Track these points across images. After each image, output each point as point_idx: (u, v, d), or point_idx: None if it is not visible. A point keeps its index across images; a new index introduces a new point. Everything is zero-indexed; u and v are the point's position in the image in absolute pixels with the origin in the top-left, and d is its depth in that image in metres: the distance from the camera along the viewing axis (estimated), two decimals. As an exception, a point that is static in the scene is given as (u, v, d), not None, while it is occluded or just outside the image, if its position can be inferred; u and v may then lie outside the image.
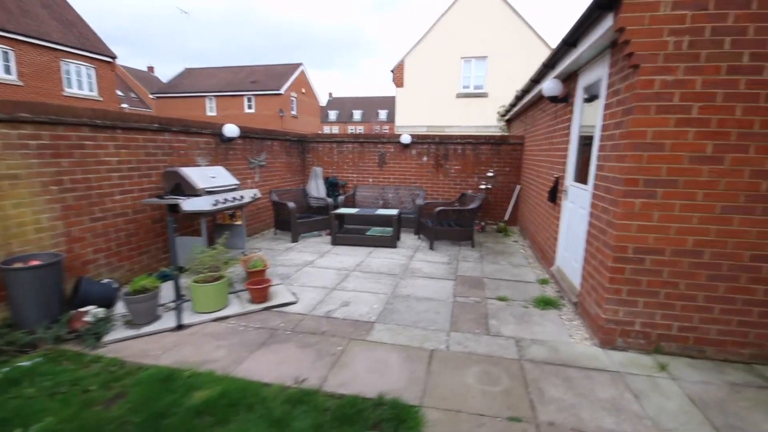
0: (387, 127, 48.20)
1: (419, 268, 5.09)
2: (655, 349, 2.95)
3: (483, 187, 7.58)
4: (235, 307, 3.73)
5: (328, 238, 6.61)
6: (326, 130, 51.78)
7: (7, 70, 14.91)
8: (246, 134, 6.62)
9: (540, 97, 5.62)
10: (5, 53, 14.74)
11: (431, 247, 6.12)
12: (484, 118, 13.92)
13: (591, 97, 3.82)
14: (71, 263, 3.84)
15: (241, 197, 5.05)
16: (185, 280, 3.90)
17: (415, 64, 15.27)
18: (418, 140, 8.32)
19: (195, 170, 4.77)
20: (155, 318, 3.49)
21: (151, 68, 44.96)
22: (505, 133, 7.90)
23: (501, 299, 4.03)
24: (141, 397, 2.40)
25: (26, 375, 2.65)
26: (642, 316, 2.95)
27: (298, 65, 28.92)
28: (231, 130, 5.92)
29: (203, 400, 2.37)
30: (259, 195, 5.51)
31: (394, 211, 6.42)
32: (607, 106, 3.23)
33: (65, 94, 17.07)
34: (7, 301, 3.21)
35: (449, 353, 2.96)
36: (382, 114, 53.02)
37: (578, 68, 4.10)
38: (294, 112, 28.47)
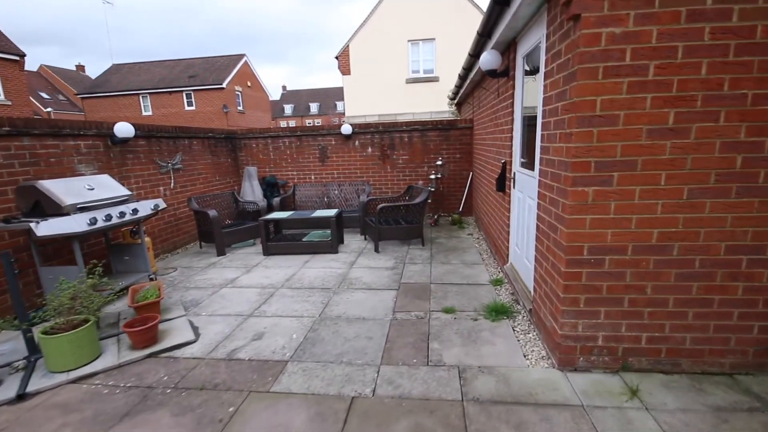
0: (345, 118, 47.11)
1: (359, 278, 4.41)
2: (623, 367, 2.44)
3: (433, 177, 7.00)
4: (108, 358, 2.88)
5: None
6: (282, 125, 49.82)
7: None
8: (150, 133, 5.61)
9: (483, 75, 5.04)
10: None
11: (376, 249, 5.45)
12: (436, 104, 13.38)
13: (533, 69, 3.24)
14: None
15: (135, 211, 4.13)
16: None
17: (361, 49, 14.42)
18: (361, 130, 7.59)
19: (62, 182, 3.79)
20: (-10, 387, 2.59)
21: (81, 67, 41.12)
22: (455, 118, 7.37)
23: (448, 311, 3.42)
24: None
25: None
26: (605, 329, 2.42)
27: (241, 56, 27.07)
28: (124, 129, 4.92)
29: None
30: (163, 205, 4.58)
31: (331, 212, 5.68)
32: (547, 75, 2.64)
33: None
34: None
35: (374, 400, 2.30)
36: (340, 106, 51.67)
37: (516, 34, 3.51)
38: (240, 108, 26.73)
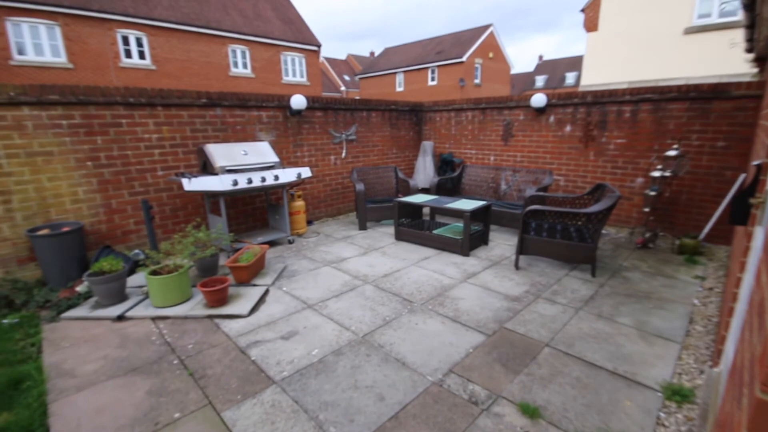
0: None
1: (459, 298, 3.32)
2: None
3: (657, 174, 4.49)
4: (186, 307, 3.23)
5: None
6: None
7: (245, 66, 19.36)
8: (327, 105, 5.99)
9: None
10: (243, 52, 19.13)
11: (516, 265, 4.02)
12: (728, 64, 8.68)
13: None
14: (112, 232, 4.21)
15: (276, 177, 4.49)
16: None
17: (621, -6, 10.89)
18: (559, 101, 5.71)
19: (224, 147, 4.47)
20: (122, 299, 3.39)
21: (372, 53, 50.85)
22: (743, 81, 4.27)
23: (527, 412, 2.00)
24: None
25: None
26: None
27: (486, 27, 26.17)
28: (298, 101, 5.39)
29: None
30: (307, 174, 4.83)
31: (469, 205, 4.54)
32: None
33: (283, 81, 20.95)
34: (37, 263, 3.71)
35: None
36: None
37: None
38: (477, 81, 26.29)
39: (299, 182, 5.17)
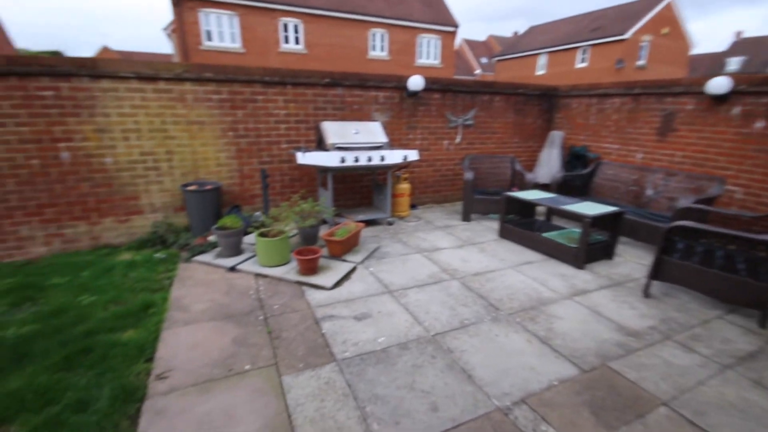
0: None
1: (556, 317, 2.84)
2: None
3: None
4: (284, 269, 3.54)
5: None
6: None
7: (382, 49, 20.07)
8: (447, 87, 5.73)
9: None
10: (382, 36, 19.80)
11: (646, 292, 3.23)
12: None
13: None
14: (242, 194, 4.87)
15: (383, 158, 4.53)
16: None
17: None
18: (751, 88, 4.29)
19: (337, 125, 4.67)
20: (238, 253, 3.90)
21: (515, 33, 47.44)
22: None
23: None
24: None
25: (149, 261, 3.70)
26: None
27: (666, -4, 21.43)
28: (415, 82, 5.28)
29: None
30: (414, 157, 4.76)
31: (594, 209, 3.79)
32: None
33: (416, 64, 21.10)
34: (186, 212, 4.53)
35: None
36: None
37: None
38: (641, 62, 21.92)
39: (405, 165, 5.13)
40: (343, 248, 3.84)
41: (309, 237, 4.10)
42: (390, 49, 20.24)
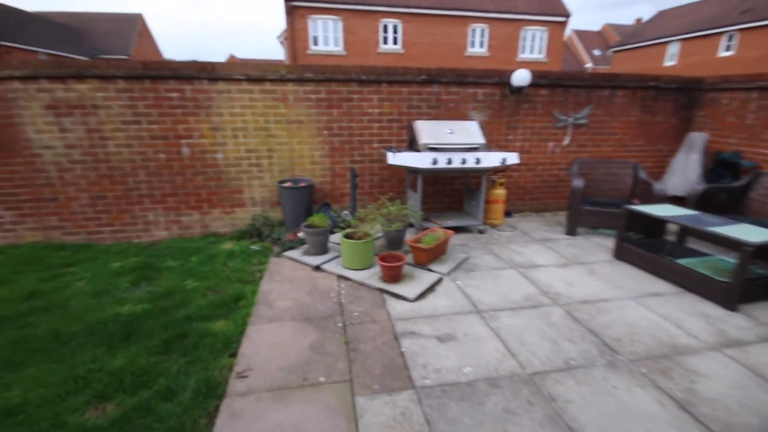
0: None
1: (699, 373, 2.19)
2: None
3: None
4: (366, 273, 3.42)
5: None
6: None
7: (481, 45, 19.19)
8: (557, 82, 5.07)
9: None
10: (482, 31, 18.92)
11: (842, 355, 2.33)
12: None
13: None
14: (333, 192, 4.94)
15: (478, 160, 4.17)
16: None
17: None
18: None
19: (431, 124, 4.41)
20: (324, 252, 3.92)
21: (638, 20, 41.69)
22: None
23: None
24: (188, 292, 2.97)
25: (245, 253, 3.94)
26: None
27: None
28: (520, 77, 4.76)
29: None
30: (513, 161, 4.29)
31: (757, 235, 2.89)
32: None
33: (518, 59, 19.75)
34: (280, 207, 4.74)
35: None
36: None
37: None
38: (821, 47, 17.22)
39: (503, 168, 4.66)
40: (429, 256, 3.59)
41: (394, 241, 3.94)
42: (490, 44, 19.27)
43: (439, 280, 3.36)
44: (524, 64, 19.55)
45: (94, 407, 1.91)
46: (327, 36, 17.18)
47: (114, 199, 4.39)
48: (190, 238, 4.57)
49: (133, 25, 29.26)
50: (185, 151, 4.40)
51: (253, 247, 4.14)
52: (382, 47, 18.20)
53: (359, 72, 4.57)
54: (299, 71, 4.44)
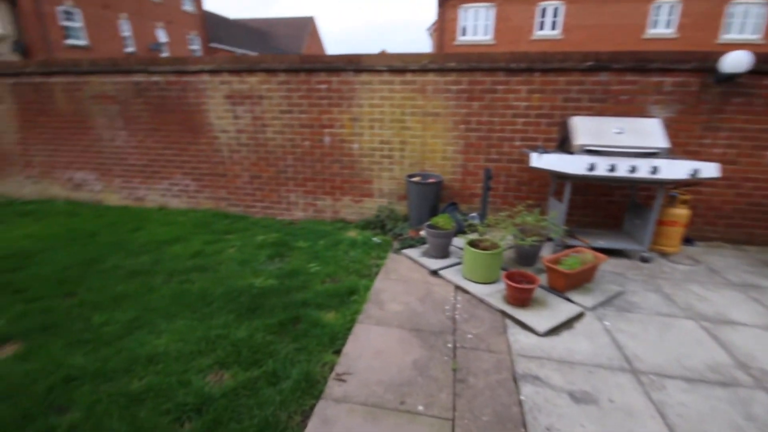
0: None
1: None
2: None
3: None
4: (489, 289, 3.01)
5: None
6: None
7: (667, 24, 15.60)
8: (800, 67, 3.59)
9: None
10: (671, 7, 15.33)
11: None
12: None
13: None
14: (462, 191, 4.61)
15: (654, 170, 3.28)
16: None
17: None
18: None
19: (592, 121, 3.61)
20: (444, 255, 3.64)
21: None
22: None
23: None
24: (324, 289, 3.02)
25: (366, 244, 3.98)
26: None
27: None
28: (734, 60, 3.52)
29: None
30: (712, 174, 3.23)
31: None
32: None
33: (720, 41, 15.47)
34: (406, 202, 4.63)
35: None
36: None
37: None
38: None
39: (693, 182, 3.55)
40: (569, 282, 2.95)
41: (526, 257, 3.40)
42: (680, 23, 15.55)
43: (580, 315, 2.72)
44: (729, 47, 15.17)
45: (215, 372, 2.08)
46: (477, 25, 16.44)
47: (267, 179, 4.96)
48: (321, 221, 4.86)
49: (306, 27, 33.54)
50: (327, 139, 4.65)
51: (375, 239, 4.13)
52: (537, 33, 16.51)
53: (508, 59, 4.05)
54: (442, 60, 4.18)
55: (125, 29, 18.25)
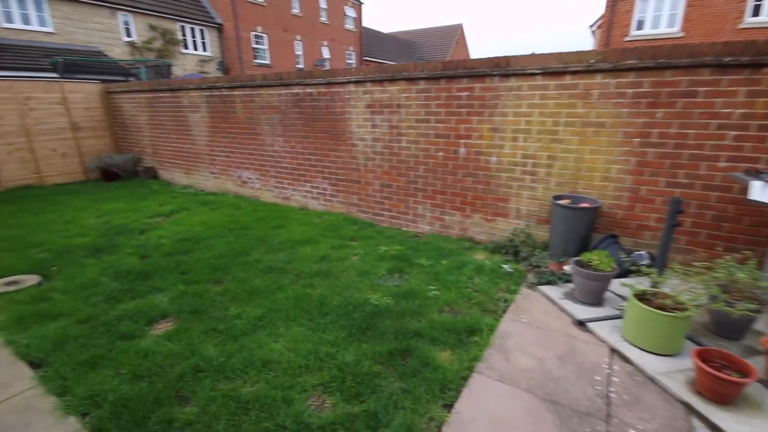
0: None
1: None
2: None
3: None
4: (663, 364, 2.20)
5: None
6: None
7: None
8: None
9: None
10: None
11: None
12: None
13: None
14: (626, 221, 3.68)
15: None
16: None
17: None
18: None
19: None
20: (596, 303, 2.90)
21: None
22: None
23: None
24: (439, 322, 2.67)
25: (494, 272, 3.51)
26: None
27: None
28: None
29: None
30: None
31: None
32: None
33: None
34: (548, 227, 3.92)
35: None
36: None
37: None
38: None
39: None
40: (812, 384, 1.93)
41: (729, 327, 2.41)
42: None
43: (836, 444, 1.72)
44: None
45: (317, 396, 1.97)
46: (659, 15, 13.59)
47: (396, 188, 4.89)
48: (447, 237, 4.53)
49: (453, 35, 33.63)
50: (462, 151, 4.30)
51: (505, 266, 3.59)
52: (748, 20, 12.69)
53: (720, 52, 3.00)
54: (616, 57, 3.37)
55: (298, 48, 21.31)
